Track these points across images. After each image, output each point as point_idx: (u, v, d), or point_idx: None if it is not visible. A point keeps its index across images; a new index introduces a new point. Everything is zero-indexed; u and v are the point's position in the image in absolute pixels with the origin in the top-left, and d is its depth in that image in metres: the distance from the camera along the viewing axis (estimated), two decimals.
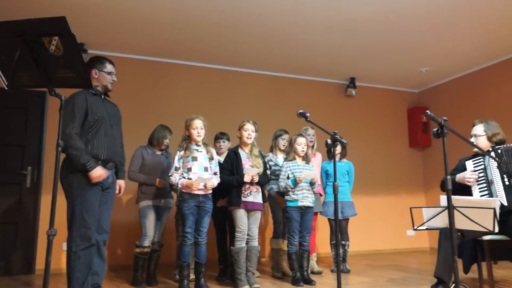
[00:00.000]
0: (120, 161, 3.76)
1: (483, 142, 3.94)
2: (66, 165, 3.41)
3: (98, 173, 3.33)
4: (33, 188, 5.69)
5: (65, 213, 3.38)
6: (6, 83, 2.60)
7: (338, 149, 5.20)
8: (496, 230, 2.97)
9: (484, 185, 3.73)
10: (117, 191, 3.76)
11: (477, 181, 3.78)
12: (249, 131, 4.54)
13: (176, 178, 4.20)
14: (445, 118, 2.83)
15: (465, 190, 3.83)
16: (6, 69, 2.56)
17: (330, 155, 5.47)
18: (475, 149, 3.92)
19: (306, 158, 4.78)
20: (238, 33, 5.77)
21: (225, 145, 5.20)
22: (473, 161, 3.89)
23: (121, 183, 3.80)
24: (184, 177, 4.21)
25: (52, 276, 4.34)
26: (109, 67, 3.62)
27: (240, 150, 4.59)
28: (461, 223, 3.00)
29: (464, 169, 3.96)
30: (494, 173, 3.70)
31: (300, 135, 4.89)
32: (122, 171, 3.82)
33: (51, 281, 2.76)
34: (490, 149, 3.85)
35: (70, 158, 3.32)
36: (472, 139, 4.00)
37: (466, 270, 3.88)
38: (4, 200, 5.55)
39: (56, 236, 2.68)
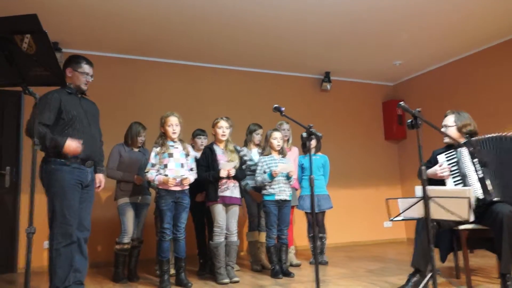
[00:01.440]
0: (99, 158, 3.77)
1: (452, 133, 3.94)
2: (44, 163, 3.42)
3: (73, 144, 3.30)
4: (12, 188, 5.68)
5: (45, 211, 3.40)
6: None
7: (313, 143, 5.26)
8: (472, 219, 2.98)
9: (458, 178, 3.72)
10: (97, 186, 3.76)
11: (451, 174, 3.77)
12: (223, 128, 4.59)
13: (152, 174, 4.24)
14: (419, 109, 2.86)
15: (440, 182, 3.82)
16: None
17: (305, 149, 5.53)
18: (446, 140, 3.96)
19: (282, 152, 4.84)
20: (211, 29, 5.80)
21: (206, 141, 5.25)
22: (445, 154, 3.87)
23: (101, 177, 3.79)
24: (160, 174, 4.24)
25: (34, 274, 4.36)
26: (85, 68, 3.60)
27: (215, 146, 4.63)
28: (437, 213, 3.00)
29: (437, 161, 3.94)
30: (467, 166, 3.68)
31: (275, 129, 4.94)
32: (101, 165, 3.81)
33: (33, 279, 2.78)
34: (464, 140, 3.84)
35: (42, 145, 3.27)
36: (443, 130, 4.01)
37: (443, 259, 3.95)
38: None
39: (37, 235, 2.69)
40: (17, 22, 2.38)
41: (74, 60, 3.60)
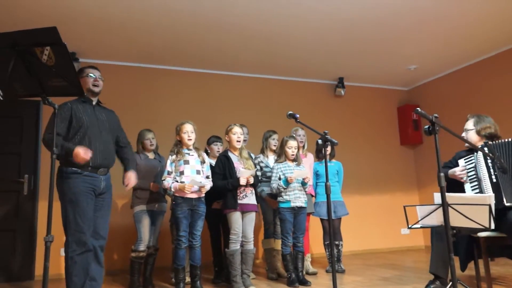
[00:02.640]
0: (127, 158, 3.84)
1: (472, 137, 3.91)
2: (59, 172, 3.47)
3: (81, 151, 3.30)
4: (31, 195, 5.75)
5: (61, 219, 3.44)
6: (1, 93, 2.66)
7: (328, 149, 5.25)
8: (492, 226, 2.94)
9: (476, 182, 3.70)
10: (125, 183, 3.76)
11: (469, 178, 3.75)
12: (238, 134, 4.58)
13: (169, 182, 4.26)
14: (436, 115, 2.83)
15: (459, 186, 3.81)
16: (1, 80, 2.62)
17: (320, 155, 5.54)
18: (467, 144, 3.90)
19: (296, 160, 4.83)
20: (225, 37, 5.82)
21: (222, 148, 5.23)
22: (465, 159, 3.85)
23: (129, 174, 3.78)
24: (177, 181, 4.26)
25: (52, 282, 4.39)
26: (87, 71, 3.68)
27: (230, 154, 4.62)
28: (456, 221, 2.98)
29: (457, 163, 3.93)
30: (482, 171, 3.66)
31: (291, 137, 4.90)
32: (131, 165, 3.84)
33: (50, 287, 2.80)
34: (483, 144, 3.79)
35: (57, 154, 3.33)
36: (463, 134, 3.98)
37: (463, 268, 3.88)
38: (2, 208, 5.60)
39: (54, 242, 2.74)
40: (38, 34, 2.43)
41: (79, 71, 3.68)
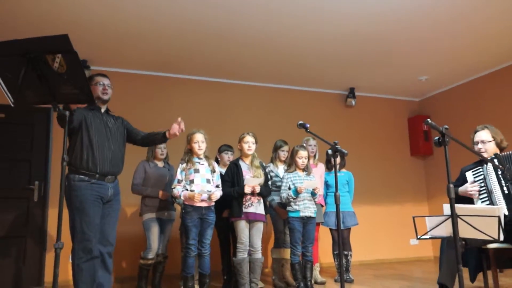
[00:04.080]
0: (150, 133, 3.94)
1: (491, 148, 3.83)
2: (66, 179, 3.48)
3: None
4: (41, 202, 5.76)
5: None
6: (12, 100, 2.68)
7: (338, 159, 5.23)
8: (501, 238, 2.92)
9: (485, 195, 3.66)
10: (176, 129, 3.83)
11: (479, 191, 3.71)
12: (250, 143, 4.61)
13: (179, 190, 4.26)
14: (446, 126, 2.81)
15: (468, 199, 3.76)
16: (12, 87, 2.64)
17: (330, 165, 5.52)
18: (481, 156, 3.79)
19: (307, 170, 4.83)
20: (237, 46, 5.85)
21: (233, 157, 5.25)
22: (472, 171, 3.81)
23: (175, 125, 3.87)
24: (187, 189, 4.27)
25: None
26: (97, 79, 3.72)
27: (241, 162, 4.65)
28: (465, 232, 2.96)
29: (465, 179, 3.88)
30: (493, 182, 3.62)
31: (302, 147, 4.88)
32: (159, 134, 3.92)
33: None
34: (493, 156, 3.76)
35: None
36: (479, 146, 3.88)
37: (472, 279, 3.85)
38: (12, 214, 5.62)
39: (64, 249, 2.76)
40: (49, 42, 2.45)
41: (88, 79, 3.67)
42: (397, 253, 7.69)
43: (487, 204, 3.63)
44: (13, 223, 5.59)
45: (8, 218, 5.58)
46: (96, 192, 3.49)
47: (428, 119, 2.94)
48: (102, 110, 3.74)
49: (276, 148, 5.33)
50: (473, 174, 3.79)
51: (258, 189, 4.45)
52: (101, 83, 3.70)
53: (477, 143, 3.91)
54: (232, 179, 4.54)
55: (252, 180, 4.42)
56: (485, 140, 3.88)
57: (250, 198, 4.47)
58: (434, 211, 7.86)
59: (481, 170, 3.73)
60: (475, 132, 3.99)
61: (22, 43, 2.46)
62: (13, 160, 5.74)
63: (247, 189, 4.39)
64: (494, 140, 3.86)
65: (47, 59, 2.51)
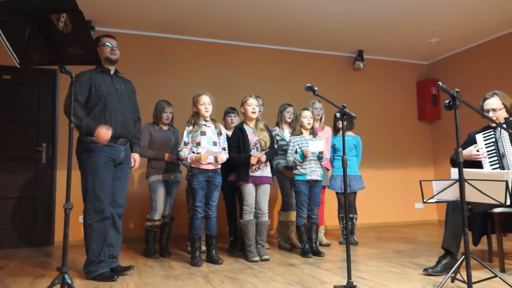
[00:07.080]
0: (134, 135, 3.85)
1: (503, 115, 3.76)
2: (78, 141, 3.53)
3: (102, 131, 3.37)
4: (49, 164, 5.83)
5: (79, 187, 3.54)
6: (18, 60, 2.67)
7: (345, 123, 5.19)
8: (508, 202, 2.89)
9: (495, 158, 3.62)
10: (132, 165, 3.85)
11: (488, 154, 3.67)
12: (253, 106, 4.57)
13: (185, 152, 4.27)
14: (457, 89, 2.76)
15: (475, 164, 3.72)
16: (17, 47, 2.62)
17: (336, 129, 5.51)
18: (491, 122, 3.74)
19: (312, 132, 4.81)
20: (243, 7, 5.75)
21: (236, 119, 5.23)
22: (483, 134, 3.77)
23: (135, 156, 3.89)
24: (193, 152, 4.27)
25: (70, 248, 4.50)
26: (104, 40, 3.69)
27: (245, 126, 4.62)
28: (471, 196, 2.95)
29: (473, 143, 3.82)
30: (506, 146, 3.57)
31: (305, 109, 4.88)
32: (136, 145, 3.91)
33: (69, 252, 2.89)
34: (503, 121, 3.70)
35: (78, 128, 3.40)
36: (490, 114, 3.78)
37: (475, 243, 3.89)
38: (22, 176, 5.70)
39: (72, 210, 2.80)
40: (54, 1, 2.41)
41: (95, 40, 3.66)
42: (401, 216, 7.75)
43: (496, 167, 3.61)
44: (23, 185, 5.68)
45: (18, 179, 5.67)
46: (108, 154, 3.53)
47: (439, 82, 2.90)
48: (111, 72, 3.71)
49: (281, 111, 5.31)
50: (484, 137, 3.75)
51: (264, 159, 4.47)
52: (109, 44, 3.67)
53: (488, 111, 3.83)
54: (238, 144, 4.53)
55: (256, 154, 4.43)
56: (496, 108, 3.81)
57: (257, 164, 4.50)
58: (440, 175, 7.88)
59: (492, 133, 3.69)
60: (484, 99, 3.91)
61: (27, 2, 2.42)
62: (20, 122, 5.77)
63: (253, 160, 4.40)
64: (504, 107, 3.80)
65: (52, 18, 2.48)
